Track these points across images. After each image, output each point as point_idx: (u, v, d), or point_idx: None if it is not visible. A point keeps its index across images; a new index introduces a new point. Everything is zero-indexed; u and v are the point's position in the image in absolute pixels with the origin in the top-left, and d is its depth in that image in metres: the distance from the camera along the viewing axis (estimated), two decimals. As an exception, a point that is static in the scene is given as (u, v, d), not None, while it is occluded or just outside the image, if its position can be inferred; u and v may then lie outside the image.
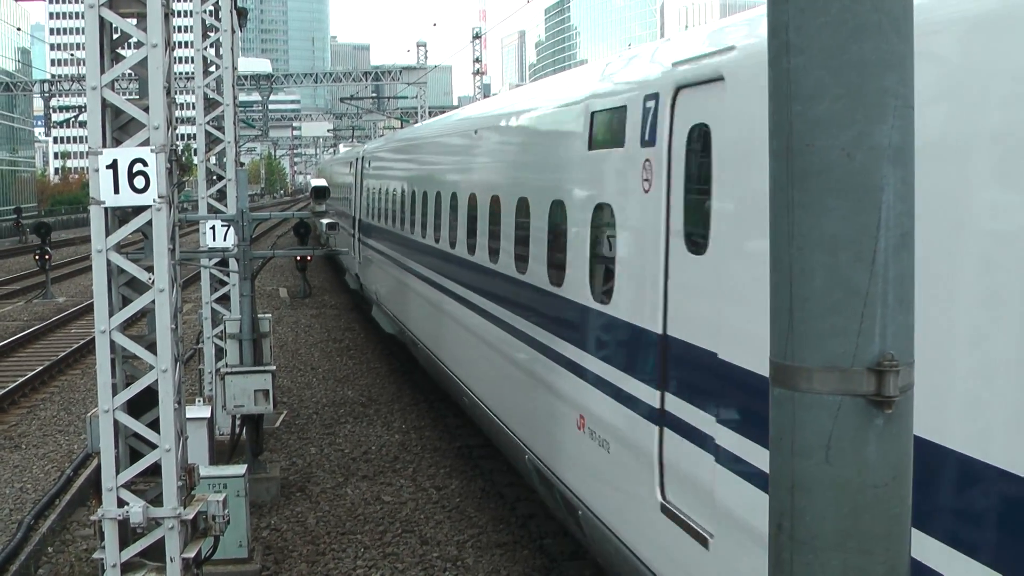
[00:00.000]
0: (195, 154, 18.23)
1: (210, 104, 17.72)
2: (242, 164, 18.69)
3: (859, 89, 2.54)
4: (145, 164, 7.94)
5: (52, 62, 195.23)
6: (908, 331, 2.63)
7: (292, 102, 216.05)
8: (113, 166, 7.94)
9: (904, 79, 2.57)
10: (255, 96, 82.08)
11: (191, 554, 8.35)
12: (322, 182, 16.92)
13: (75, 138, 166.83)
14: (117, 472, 8.29)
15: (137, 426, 8.33)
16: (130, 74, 8.82)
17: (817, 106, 2.57)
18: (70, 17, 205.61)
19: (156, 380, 8.19)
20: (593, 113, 8.89)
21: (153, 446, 8.28)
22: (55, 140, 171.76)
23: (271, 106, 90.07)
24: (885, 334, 2.57)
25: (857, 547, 2.62)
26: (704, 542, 6.51)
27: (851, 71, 2.54)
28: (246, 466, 12.08)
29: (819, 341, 2.60)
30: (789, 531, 2.69)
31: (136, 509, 8.16)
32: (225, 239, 15.59)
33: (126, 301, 8.48)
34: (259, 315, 14.94)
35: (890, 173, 2.56)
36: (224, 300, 17.57)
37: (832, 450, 2.60)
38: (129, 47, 8.57)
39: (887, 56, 2.55)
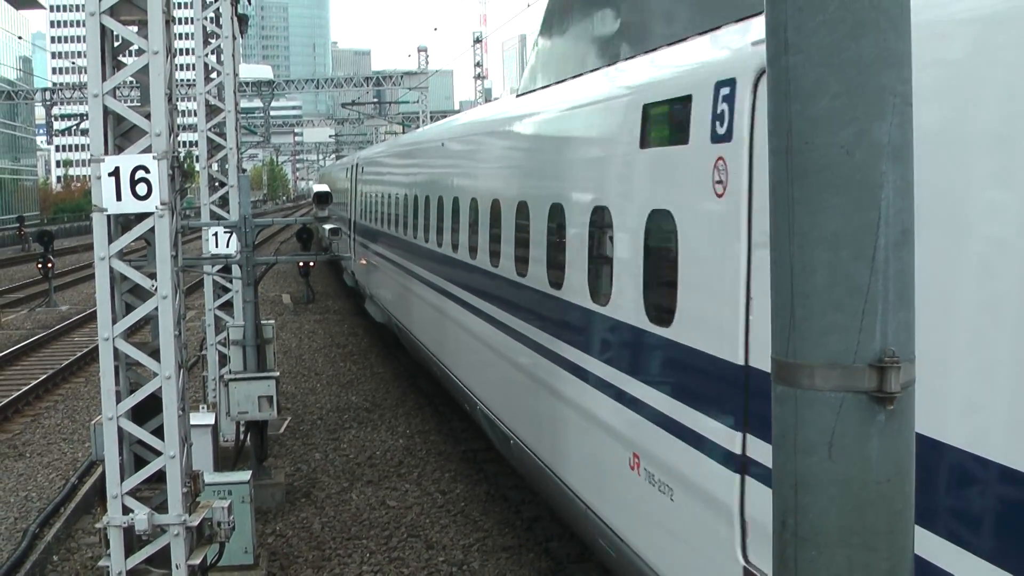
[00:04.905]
0: (197, 161, 18.26)
1: (212, 111, 17.75)
2: (244, 170, 18.72)
3: (858, 87, 2.55)
4: (147, 171, 7.95)
5: (53, 70, 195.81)
6: (909, 327, 2.64)
7: (294, 108, 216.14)
8: (115, 173, 7.96)
9: (903, 76, 2.58)
10: (256, 102, 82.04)
11: (196, 561, 8.36)
12: (324, 187, 16.98)
13: (77, 146, 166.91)
14: (122, 479, 8.30)
15: (141, 433, 8.35)
16: (132, 81, 8.84)
17: (816, 104, 2.57)
18: (71, 25, 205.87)
19: (160, 387, 8.20)
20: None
21: (157, 453, 8.30)
22: (57, 148, 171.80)
23: (273, 112, 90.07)
24: (886, 331, 2.58)
25: (861, 543, 2.63)
26: None
27: (850, 69, 2.55)
28: (251, 472, 12.10)
29: (821, 338, 2.60)
30: (793, 528, 2.69)
31: (141, 516, 8.17)
32: (228, 245, 15.63)
33: (129, 308, 8.49)
34: (262, 321, 14.95)
35: (890, 170, 2.57)
36: (227, 306, 17.60)
37: (835, 447, 2.61)
38: (130, 54, 8.59)
39: (885, 53, 2.55)
